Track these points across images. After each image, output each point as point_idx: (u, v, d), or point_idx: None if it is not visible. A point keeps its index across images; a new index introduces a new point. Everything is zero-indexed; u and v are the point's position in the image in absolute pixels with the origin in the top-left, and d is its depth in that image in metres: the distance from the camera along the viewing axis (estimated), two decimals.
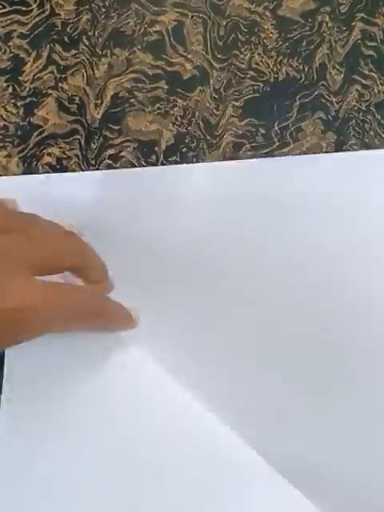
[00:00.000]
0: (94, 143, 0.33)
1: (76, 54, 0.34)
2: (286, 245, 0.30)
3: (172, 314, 0.30)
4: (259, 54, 0.34)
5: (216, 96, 0.34)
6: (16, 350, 0.29)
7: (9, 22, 0.34)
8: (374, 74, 0.34)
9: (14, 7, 0.34)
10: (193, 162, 0.33)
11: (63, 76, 0.34)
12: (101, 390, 0.28)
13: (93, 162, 0.33)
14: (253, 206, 0.31)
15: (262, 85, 0.34)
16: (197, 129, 0.33)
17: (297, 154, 0.33)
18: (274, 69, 0.34)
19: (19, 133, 0.33)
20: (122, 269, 0.29)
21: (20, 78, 0.33)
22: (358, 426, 0.29)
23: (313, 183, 0.31)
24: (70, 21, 0.34)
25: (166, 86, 0.34)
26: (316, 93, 0.34)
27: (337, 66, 0.34)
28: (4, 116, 0.33)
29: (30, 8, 0.34)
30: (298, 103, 0.34)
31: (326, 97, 0.34)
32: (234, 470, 0.27)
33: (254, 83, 0.34)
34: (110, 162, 0.33)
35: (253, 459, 0.27)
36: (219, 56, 0.34)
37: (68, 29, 0.34)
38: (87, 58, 0.34)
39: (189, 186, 0.32)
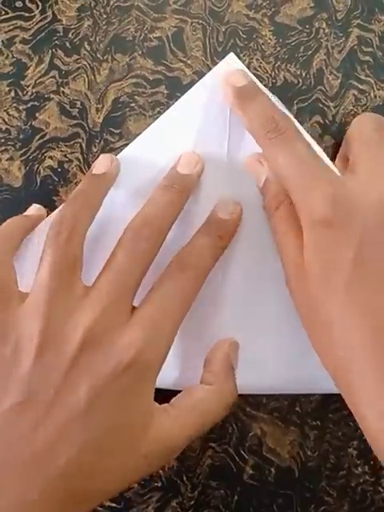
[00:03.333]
0: (95, 147, 0.34)
1: (77, 59, 0.34)
2: None
3: None
4: (257, 59, 0.35)
5: None
6: None
7: (11, 27, 0.34)
8: (370, 79, 0.35)
9: (16, 13, 0.34)
10: None
11: (65, 81, 0.34)
12: None
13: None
14: None
15: None
16: None
17: None
18: (272, 74, 0.34)
19: (21, 136, 0.34)
20: None
21: (22, 82, 0.34)
22: None
23: None
24: (72, 27, 0.34)
25: (166, 91, 0.34)
26: (313, 97, 0.34)
27: (334, 72, 0.35)
28: (6, 120, 0.34)
29: (33, 14, 0.34)
30: (295, 108, 0.34)
31: (323, 101, 0.34)
32: None
33: None
34: None
35: None
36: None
37: (70, 34, 0.34)
38: (88, 63, 0.34)
39: None
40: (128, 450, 0.25)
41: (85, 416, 0.24)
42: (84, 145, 0.34)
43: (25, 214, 0.32)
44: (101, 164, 0.30)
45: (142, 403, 0.26)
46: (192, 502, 0.33)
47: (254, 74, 0.34)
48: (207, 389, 0.28)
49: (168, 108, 0.34)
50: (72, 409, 0.24)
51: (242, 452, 0.33)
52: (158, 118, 0.34)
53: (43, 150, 0.34)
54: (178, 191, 0.29)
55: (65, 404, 0.24)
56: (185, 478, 0.33)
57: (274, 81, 0.34)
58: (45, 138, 0.34)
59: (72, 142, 0.34)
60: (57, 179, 0.34)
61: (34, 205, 0.32)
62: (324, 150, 0.33)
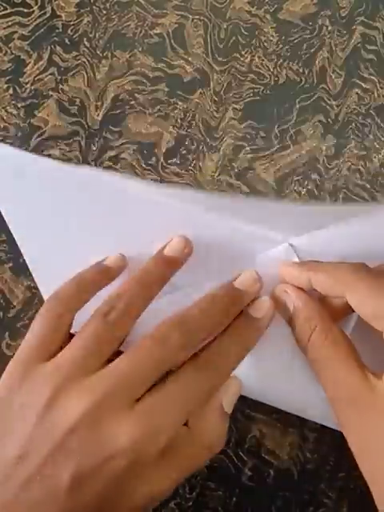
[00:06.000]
0: (95, 145, 0.33)
1: (77, 55, 0.34)
2: None
3: None
4: (259, 56, 0.34)
5: (216, 98, 0.34)
6: None
7: (10, 23, 0.34)
8: (373, 78, 0.34)
9: (15, 9, 0.34)
10: (192, 164, 0.33)
11: (64, 78, 0.34)
12: None
13: (93, 164, 0.33)
14: None
15: (262, 88, 0.34)
16: (197, 131, 0.33)
17: (298, 156, 0.33)
18: (275, 72, 0.34)
19: (19, 134, 0.33)
20: None
21: (21, 79, 0.34)
22: None
23: None
24: (71, 23, 0.34)
25: (166, 89, 0.34)
26: (316, 96, 0.34)
27: (337, 70, 0.34)
28: (5, 117, 0.33)
29: (31, 9, 0.34)
30: (297, 106, 0.34)
31: (326, 100, 0.34)
32: None
33: (254, 86, 0.34)
34: (110, 163, 0.33)
35: None
36: (220, 59, 0.34)
37: (69, 31, 0.34)
38: (88, 60, 0.34)
39: None
40: None
41: (62, 502, 0.22)
42: (83, 143, 0.33)
43: (105, 263, 0.29)
44: (175, 247, 0.29)
45: (127, 501, 0.23)
46: (190, 503, 0.33)
47: (256, 72, 0.33)
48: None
49: (169, 106, 0.33)
50: (50, 490, 0.22)
51: (241, 453, 0.33)
52: (158, 115, 0.33)
53: (42, 149, 0.33)
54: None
55: (45, 484, 0.22)
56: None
57: (276, 79, 0.34)
58: (43, 136, 0.33)
59: (71, 141, 0.33)
60: None
61: (117, 256, 0.30)
62: (326, 150, 0.33)
